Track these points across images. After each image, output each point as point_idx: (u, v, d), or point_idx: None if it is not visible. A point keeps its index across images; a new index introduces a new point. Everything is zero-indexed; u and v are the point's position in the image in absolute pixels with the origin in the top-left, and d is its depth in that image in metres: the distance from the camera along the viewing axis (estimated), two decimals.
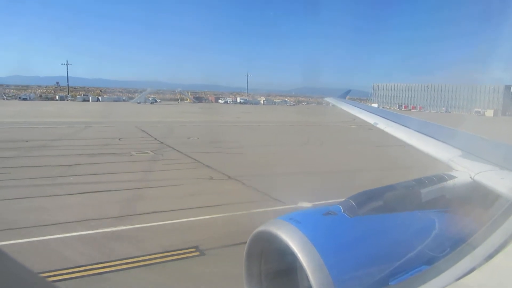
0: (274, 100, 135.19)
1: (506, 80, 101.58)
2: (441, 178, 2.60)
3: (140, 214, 11.13)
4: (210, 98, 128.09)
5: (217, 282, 7.35)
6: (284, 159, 21.94)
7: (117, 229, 9.81)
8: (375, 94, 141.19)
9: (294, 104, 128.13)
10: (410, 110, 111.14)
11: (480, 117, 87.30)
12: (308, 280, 1.70)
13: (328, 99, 11.70)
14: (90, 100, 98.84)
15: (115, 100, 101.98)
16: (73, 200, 12.33)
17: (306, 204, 11.34)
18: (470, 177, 2.67)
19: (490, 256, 1.58)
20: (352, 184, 13.96)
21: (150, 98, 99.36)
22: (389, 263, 1.85)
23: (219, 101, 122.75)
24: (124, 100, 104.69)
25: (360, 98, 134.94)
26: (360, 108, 7.54)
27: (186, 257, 8.31)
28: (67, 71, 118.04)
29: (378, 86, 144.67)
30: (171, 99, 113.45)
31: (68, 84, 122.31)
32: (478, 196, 2.50)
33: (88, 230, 9.64)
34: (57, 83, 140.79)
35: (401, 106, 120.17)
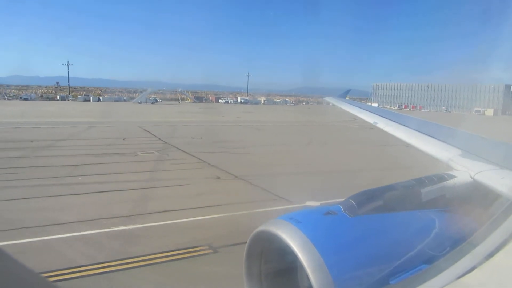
0: (275, 100, 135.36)
1: (506, 80, 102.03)
2: (441, 178, 2.60)
3: (151, 213, 11.28)
4: (210, 98, 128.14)
5: (230, 278, 7.49)
6: (289, 159, 22.12)
7: (130, 228, 9.98)
8: (375, 93, 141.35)
9: (294, 104, 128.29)
10: (410, 109, 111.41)
11: (480, 116, 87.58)
12: (308, 280, 1.70)
13: (327, 99, 11.72)
14: (91, 100, 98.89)
15: (116, 100, 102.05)
16: (84, 200, 12.48)
17: (315, 204, 11.51)
18: (470, 177, 2.68)
19: (490, 255, 1.58)
20: (360, 183, 14.10)
21: (151, 98, 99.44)
22: (389, 262, 1.85)
23: (220, 101, 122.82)
24: (125, 100, 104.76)
25: (360, 97, 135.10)
26: (360, 108, 7.54)
27: (200, 255, 8.48)
28: (68, 71, 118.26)
29: (378, 85, 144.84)
30: (171, 99, 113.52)
31: (69, 84, 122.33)
32: (478, 195, 2.51)
33: (102, 229, 9.80)
34: (57, 83, 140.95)
35: (401, 105, 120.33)
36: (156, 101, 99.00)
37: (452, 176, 2.66)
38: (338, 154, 24.79)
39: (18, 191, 13.11)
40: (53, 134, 29.41)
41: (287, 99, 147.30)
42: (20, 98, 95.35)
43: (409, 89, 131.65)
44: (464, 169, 2.81)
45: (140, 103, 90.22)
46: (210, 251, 8.68)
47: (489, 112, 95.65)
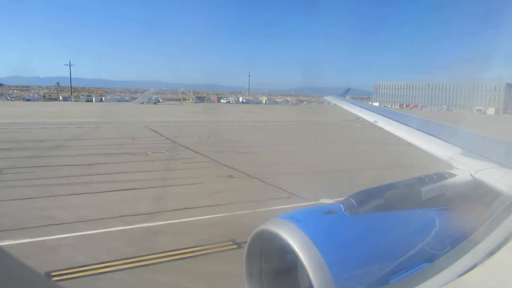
0: (276, 100, 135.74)
1: (507, 78, 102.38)
2: (441, 176, 2.60)
3: (171, 210, 11.58)
4: (212, 98, 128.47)
5: None
6: (297, 158, 22.46)
7: (154, 225, 10.29)
8: (376, 92, 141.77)
9: (295, 104, 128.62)
10: (411, 108, 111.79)
11: (481, 115, 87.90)
12: (308, 279, 1.70)
13: (328, 98, 11.79)
14: (94, 101, 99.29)
15: (118, 100, 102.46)
16: (105, 198, 12.79)
17: (329, 201, 11.81)
18: (471, 175, 2.68)
19: (491, 253, 1.58)
20: (367, 183, 14.39)
21: (153, 98, 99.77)
22: (389, 261, 1.85)
23: (222, 100, 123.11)
24: (127, 100, 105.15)
25: (361, 97, 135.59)
26: (361, 107, 7.55)
27: (225, 250, 8.79)
28: (70, 72, 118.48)
29: (379, 85, 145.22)
30: (173, 99, 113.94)
31: (71, 85, 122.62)
32: (479, 194, 2.51)
33: (127, 225, 10.12)
34: (58, 83, 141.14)
35: (402, 104, 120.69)
36: (158, 101, 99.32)
37: (453, 175, 2.67)
38: (345, 153, 25.08)
39: (37, 190, 13.38)
40: (62, 134, 29.75)
41: (288, 98, 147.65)
42: (23, 99, 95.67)
43: (410, 88, 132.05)
44: (465, 168, 2.83)
45: (142, 103, 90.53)
46: (235, 246, 8.98)
47: (490, 111, 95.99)
